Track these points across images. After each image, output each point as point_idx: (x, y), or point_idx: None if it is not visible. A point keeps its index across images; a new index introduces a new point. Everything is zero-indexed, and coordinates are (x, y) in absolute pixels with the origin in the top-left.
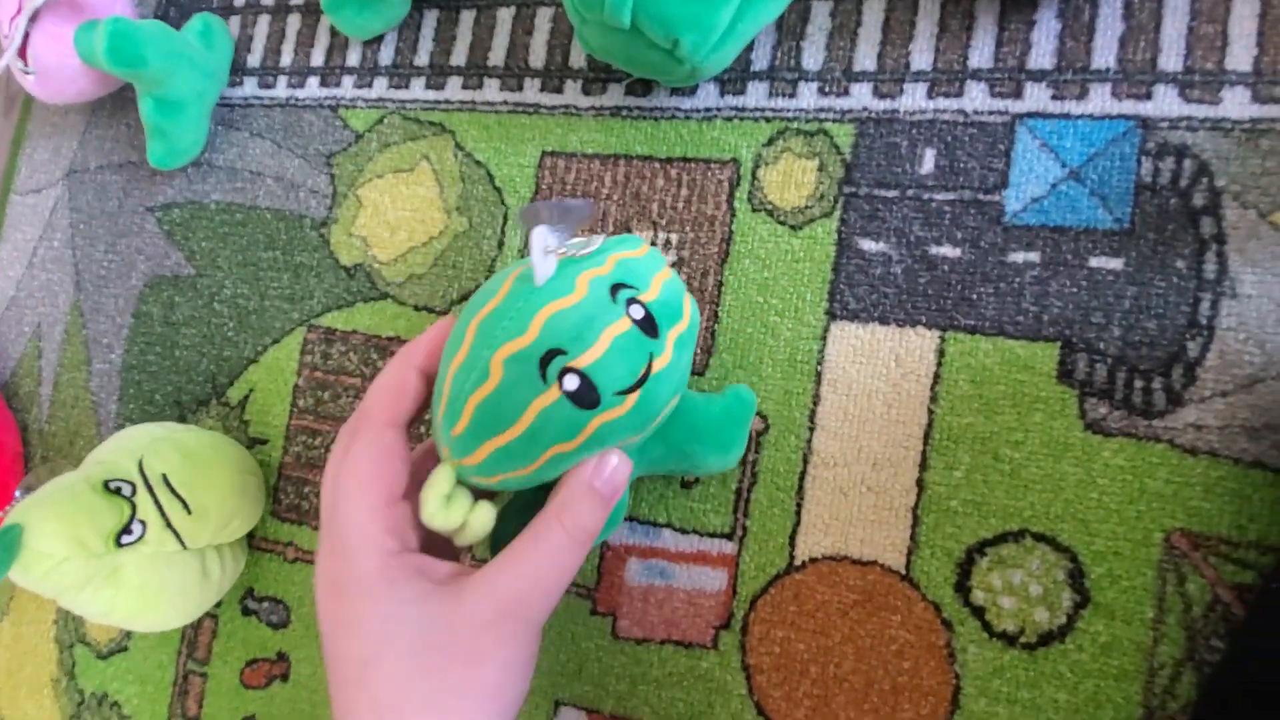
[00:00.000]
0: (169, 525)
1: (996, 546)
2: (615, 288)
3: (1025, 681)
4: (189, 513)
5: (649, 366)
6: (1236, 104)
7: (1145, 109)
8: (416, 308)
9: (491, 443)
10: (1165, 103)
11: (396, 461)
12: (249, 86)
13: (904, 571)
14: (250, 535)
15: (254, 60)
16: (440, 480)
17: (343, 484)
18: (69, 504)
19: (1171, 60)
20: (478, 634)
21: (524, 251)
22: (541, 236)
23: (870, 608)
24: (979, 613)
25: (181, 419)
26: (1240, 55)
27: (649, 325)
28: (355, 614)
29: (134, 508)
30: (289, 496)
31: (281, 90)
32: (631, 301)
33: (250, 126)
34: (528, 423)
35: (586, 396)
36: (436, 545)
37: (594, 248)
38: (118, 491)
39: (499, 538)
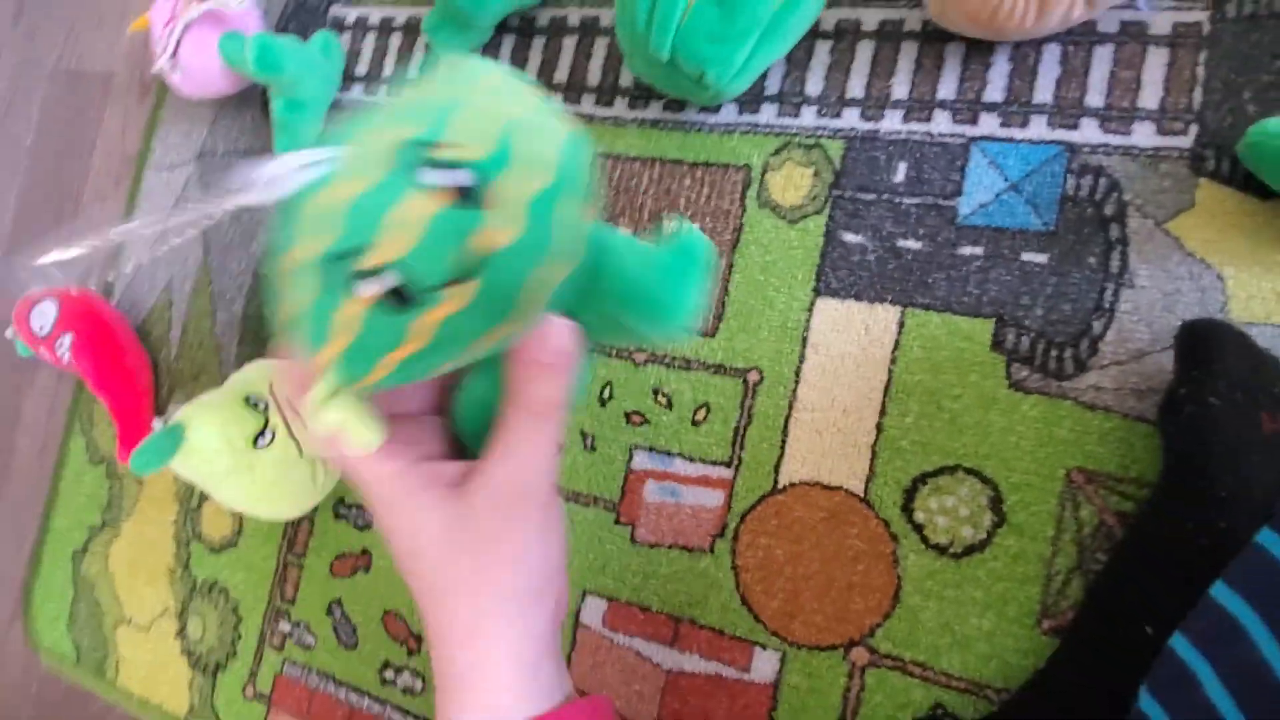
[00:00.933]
0: (291, 435)
1: (936, 477)
2: (412, 154)
3: (951, 583)
4: (305, 428)
5: (475, 242)
6: (1144, 134)
7: (1073, 136)
8: None
9: (322, 355)
10: (1089, 132)
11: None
12: (355, 92)
13: (862, 495)
14: None
15: (361, 70)
16: (314, 392)
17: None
18: (220, 410)
19: (1096, 98)
20: (490, 519)
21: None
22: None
23: (834, 523)
24: (919, 529)
25: None
26: (1150, 96)
27: (464, 194)
28: (392, 524)
29: (266, 419)
30: None
31: (382, 97)
32: (431, 167)
33: None
34: (344, 341)
35: (401, 292)
36: (459, 452)
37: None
38: (255, 405)
39: (469, 424)
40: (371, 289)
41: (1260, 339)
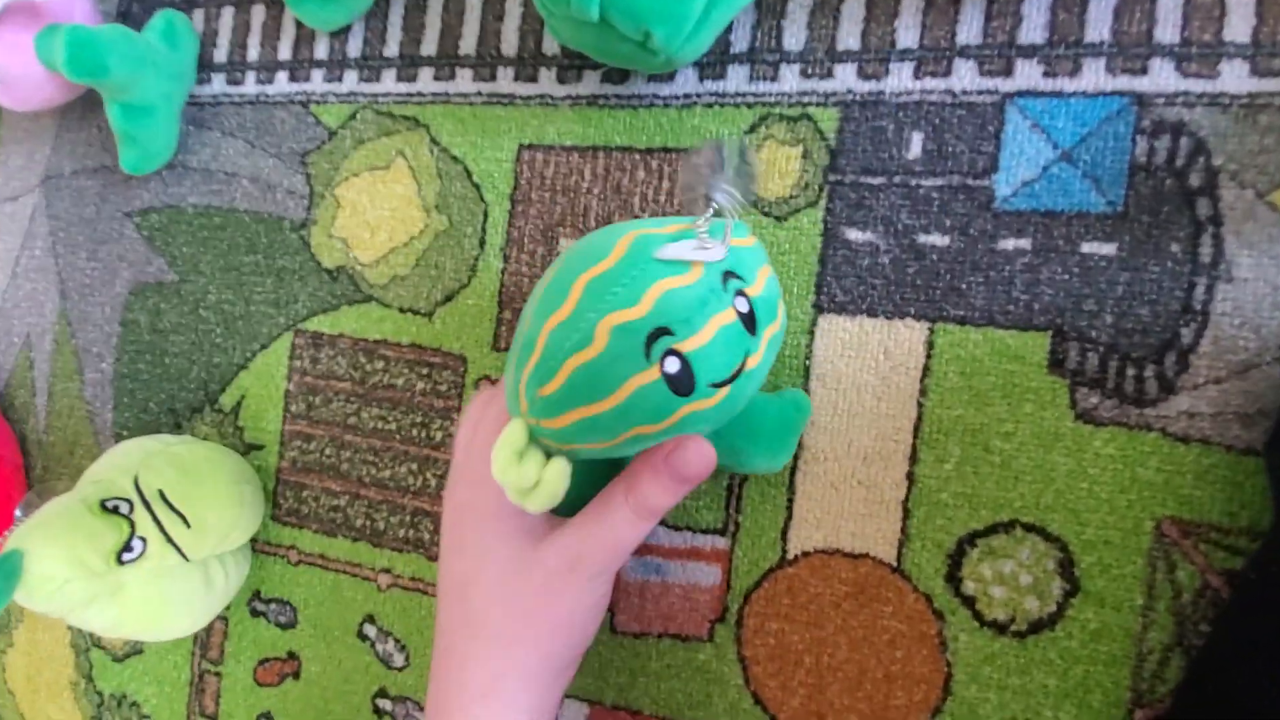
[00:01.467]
0: (169, 540)
1: (987, 538)
2: (726, 275)
3: (1016, 668)
4: (188, 526)
5: (743, 364)
6: (1235, 77)
7: (1141, 84)
8: (401, 309)
9: (580, 411)
10: (1161, 77)
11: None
12: (217, 83)
13: (895, 564)
14: (253, 540)
15: (220, 56)
16: (514, 436)
17: (487, 427)
18: (67, 526)
19: (1168, 32)
20: (550, 577)
21: (679, 204)
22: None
23: (862, 599)
24: (969, 602)
25: (177, 426)
26: (1238, 26)
27: (750, 321)
28: (467, 539)
29: (133, 525)
30: (288, 501)
31: (251, 86)
32: (739, 294)
33: (222, 125)
34: (621, 398)
35: (684, 383)
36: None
37: (721, 254)
38: (115, 510)
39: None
40: (674, 366)
41: None
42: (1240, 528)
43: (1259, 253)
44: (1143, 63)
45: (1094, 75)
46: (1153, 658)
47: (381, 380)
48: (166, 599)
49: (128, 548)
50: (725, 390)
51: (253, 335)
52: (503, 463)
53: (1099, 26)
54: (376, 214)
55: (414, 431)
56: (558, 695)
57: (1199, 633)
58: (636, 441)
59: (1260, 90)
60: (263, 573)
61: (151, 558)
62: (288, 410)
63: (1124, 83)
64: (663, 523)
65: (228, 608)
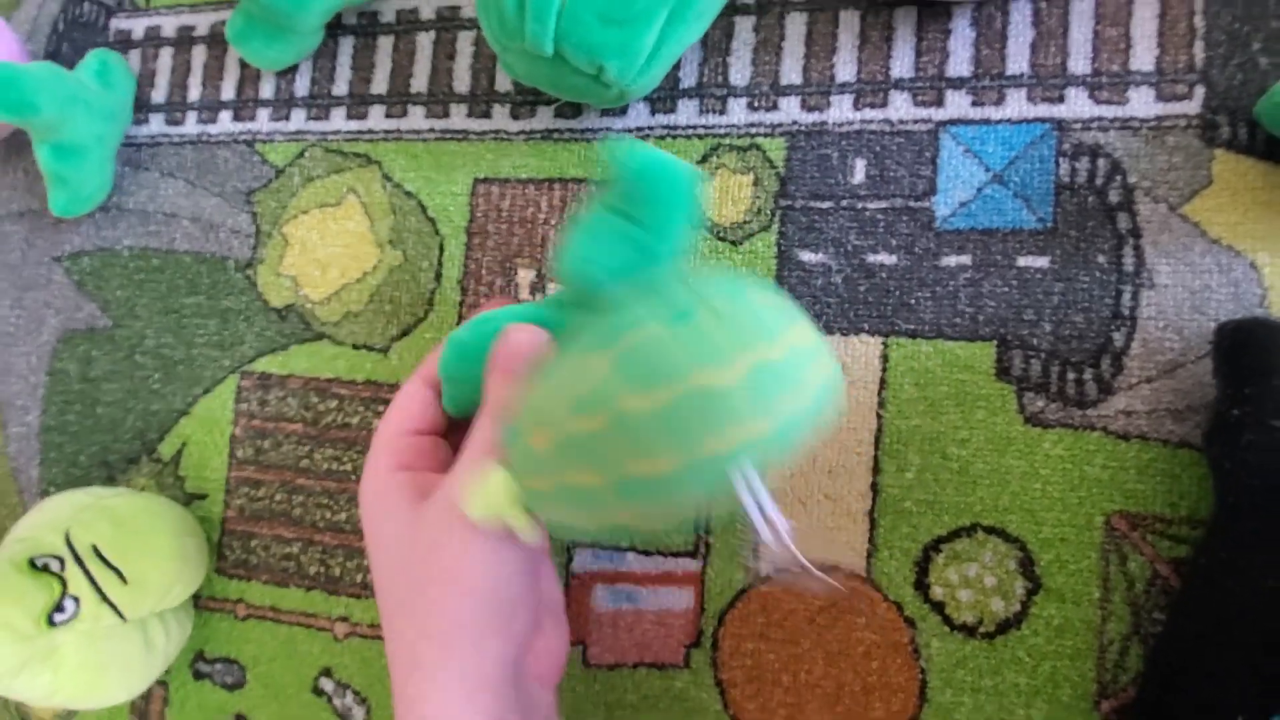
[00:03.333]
0: (104, 599)
1: (951, 542)
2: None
3: (987, 669)
4: (125, 583)
5: None
6: (1142, 103)
7: (1059, 111)
8: (355, 346)
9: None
10: (1077, 105)
11: (415, 402)
12: (155, 124)
13: (865, 574)
14: (195, 596)
15: (159, 96)
16: (492, 485)
17: (380, 422)
18: None
19: (1080, 63)
20: (436, 532)
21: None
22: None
23: (835, 612)
24: (939, 608)
25: (110, 480)
26: (1143, 56)
27: None
28: (365, 528)
29: (64, 584)
30: (234, 552)
31: (191, 126)
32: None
33: (160, 166)
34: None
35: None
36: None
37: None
38: (45, 568)
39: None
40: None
41: None
42: (1181, 517)
43: (1176, 260)
44: (1059, 92)
45: (1017, 104)
46: (1113, 648)
47: (335, 420)
48: (103, 663)
49: (59, 608)
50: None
51: (195, 380)
52: (474, 505)
53: (1018, 60)
54: (327, 251)
55: None
56: (499, 656)
57: (1154, 621)
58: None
59: (1166, 113)
60: (207, 631)
61: (86, 618)
62: (233, 456)
63: (1044, 110)
64: (635, 548)
65: (167, 671)
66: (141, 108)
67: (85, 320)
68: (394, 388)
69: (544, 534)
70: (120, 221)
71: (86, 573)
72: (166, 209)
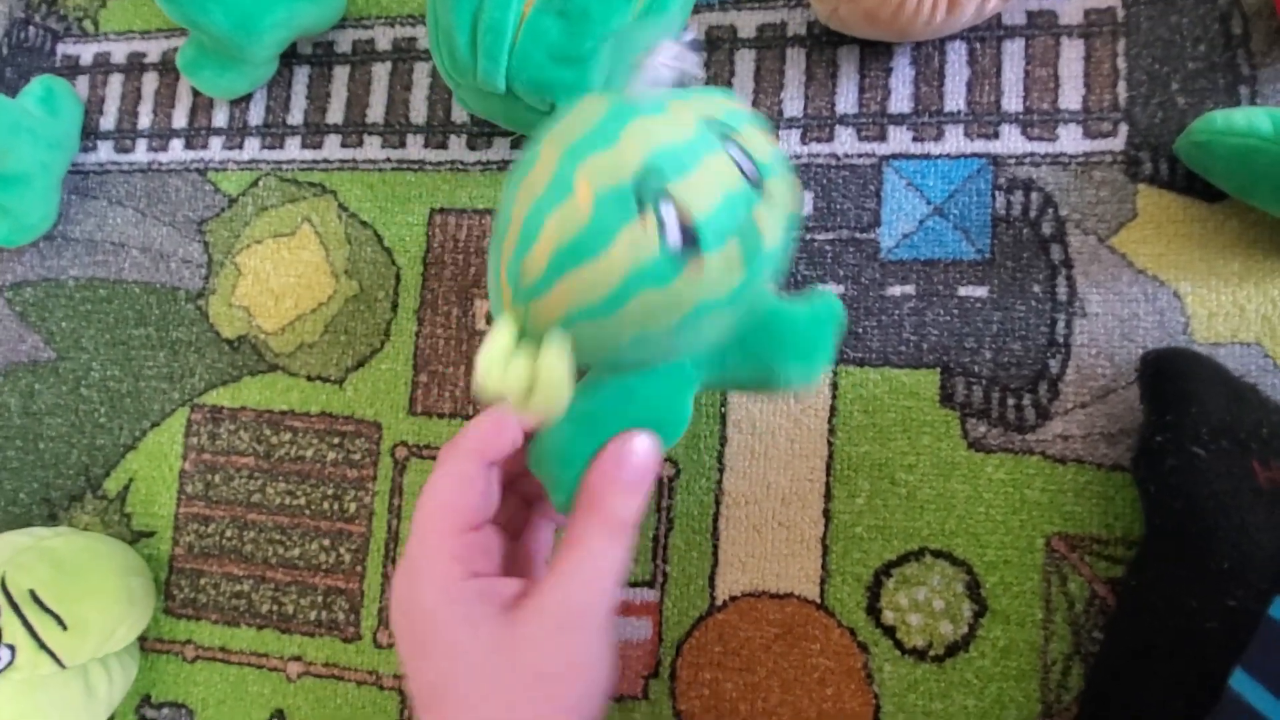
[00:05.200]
0: (42, 646)
1: (900, 566)
2: (717, 127)
3: (938, 693)
4: (64, 629)
5: (752, 220)
6: (1071, 139)
7: (994, 147)
8: (309, 378)
9: (570, 281)
10: (1011, 141)
11: (475, 491)
12: (104, 151)
13: (819, 600)
14: (141, 638)
15: (108, 123)
16: (500, 335)
17: (420, 508)
18: None
19: (1013, 102)
20: (540, 652)
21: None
22: (659, 51)
23: (791, 639)
24: (890, 632)
25: (52, 518)
26: (1071, 95)
27: (752, 174)
28: (424, 638)
29: None
30: (183, 591)
31: (142, 154)
32: (733, 146)
33: (109, 194)
34: (616, 258)
35: (685, 231)
36: (515, 566)
37: (693, 63)
38: None
39: (566, 455)
40: (669, 213)
41: (1229, 360)
42: (1116, 538)
43: (1105, 290)
44: (994, 128)
45: (955, 140)
46: (1056, 668)
47: (289, 453)
48: (41, 712)
49: None
50: (736, 244)
51: (142, 413)
52: (489, 366)
53: (955, 98)
54: (281, 281)
55: (325, 505)
56: None
57: (1093, 640)
58: (643, 340)
59: (1093, 150)
60: (153, 674)
61: (22, 667)
62: (182, 492)
63: (980, 146)
64: None
65: (112, 718)
66: (90, 135)
67: (28, 352)
68: (349, 420)
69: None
70: (66, 251)
71: (23, 619)
72: (115, 238)
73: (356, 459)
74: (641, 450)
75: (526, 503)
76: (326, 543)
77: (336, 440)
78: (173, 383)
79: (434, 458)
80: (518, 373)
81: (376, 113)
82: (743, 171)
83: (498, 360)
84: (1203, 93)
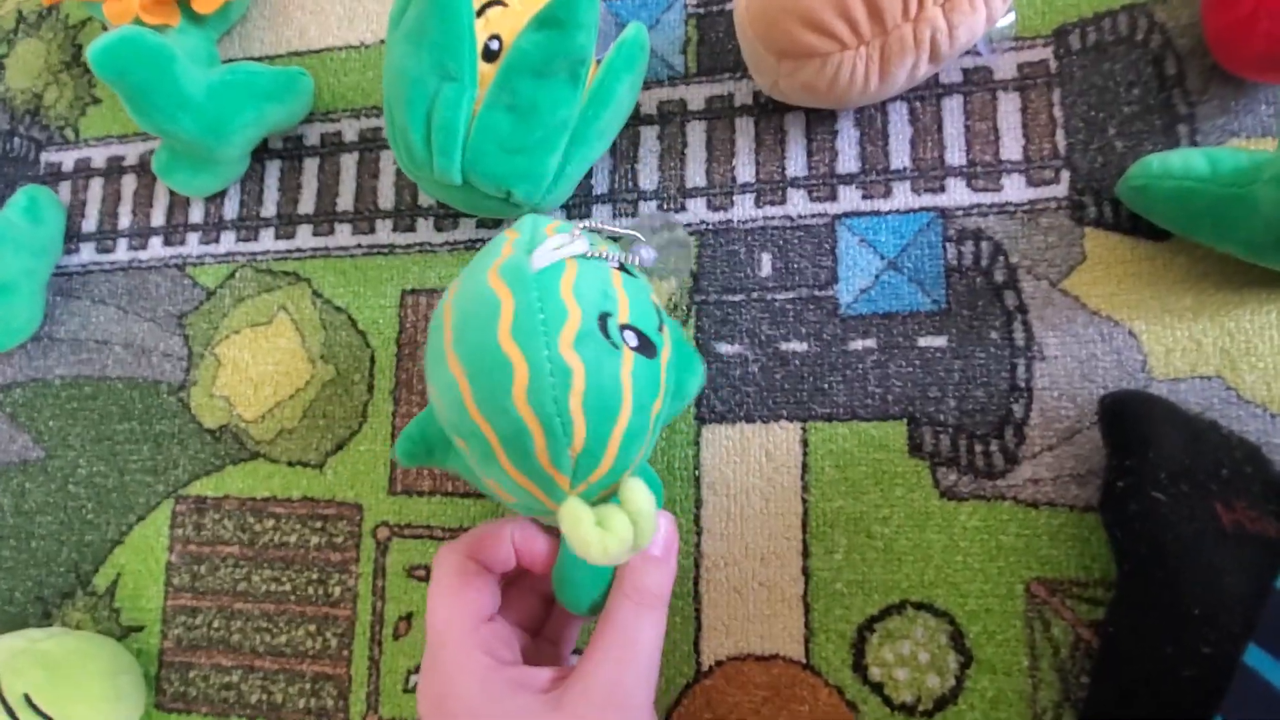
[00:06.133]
0: None
1: (883, 621)
2: (594, 246)
3: None
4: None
5: (660, 322)
6: (1015, 188)
7: (942, 200)
8: (290, 463)
9: (615, 433)
10: (957, 194)
11: (482, 584)
12: (86, 253)
13: (804, 660)
14: None
15: (90, 225)
16: (580, 514)
17: (433, 611)
18: None
19: (956, 156)
20: None
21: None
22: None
23: (779, 702)
24: (878, 689)
25: (46, 616)
26: (1011, 146)
27: (627, 271)
28: None
29: None
30: (173, 684)
31: (122, 253)
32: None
33: (91, 294)
34: (631, 392)
35: (647, 343)
36: (539, 658)
37: (584, 245)
38: None
39: (594, 573)
40: (633, 338)
41: (1191, 395)
42: (1095, 580)
43: (1062, 332)
44: (940, 182)
45: (903, 196)
46: (1047, 716)
47: (272, 539)
48: None
49: None
50: (665, 328)
51: (128, 507)
52: (600, 550)
53: (900, 155)
54: (260, 369)
55: (310, 590)
56: None
57: (1081, 685)
58: (658, 426)
59: (1037, 197)
60: None
61: None
62: (169, 584)
63: (928, 200)
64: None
65: None
66: (72, 238)
67: (18, 453)
68: (330, 503)
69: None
70: (52, 351)
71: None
72: (98, 336)
73: (339, 542)
74: (663, 525)
75: (543, 600)
76: (313, 628)
77: (319, 524)
78: (157, 475)
79: (415, 536)
80: (623, 535)
81: (346, 201)
82: (623, 267)
83: (597, 537)
84: (1140, 135)
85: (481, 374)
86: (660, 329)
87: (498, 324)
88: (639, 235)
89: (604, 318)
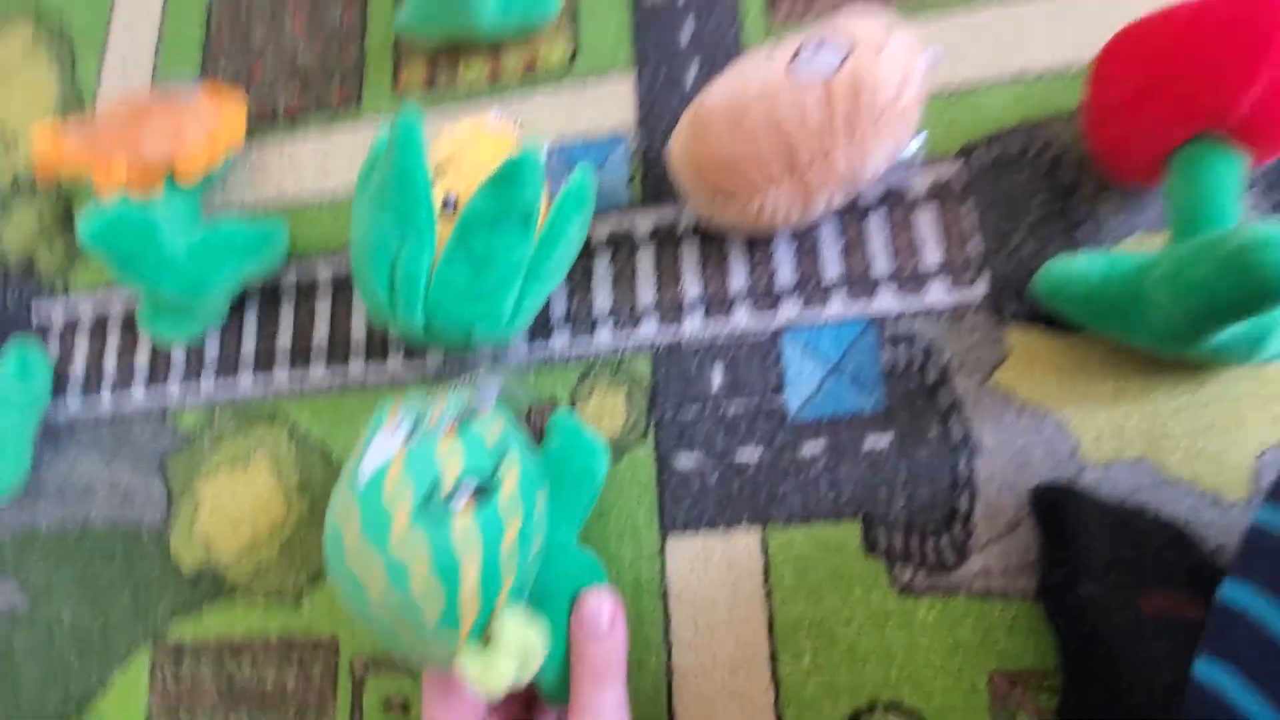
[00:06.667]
0: None
1: None
2: (412, 429)
3: None
4: None
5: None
6: (940, 293)
7: (874, 308)
8: (267, 601)
9: (466, 590)
10: (887, 301)
11: (474, 703)
12: (73, 403)
13: None
14: None
15: (77, 375)
16: (468, 668)
17: (434, 716)
18: None
19: (883, 265)
20: None
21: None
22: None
23: None
24: None
25: None
26: (933, 253)
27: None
28: None
29: None
30: None
31: (107, 402)
32: (427, 425)
33: (77, 443)
34: (471, 546)
35: (483, 489)
36: None
37: (405, 430)
38: None
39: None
40: (464, 499)
41: (1120, 477)
42: (1053, 669)
43: (995, 426)
44: (871, 291)
45: (839, 304)
46: None
47: (250, 681)
48: None
49: None
50: (513, 459)
51: (110, 654)
52: (489, 686)
53: (833, 268)
54: (238, 509)
55: None
56: None
57: None
58: (526, 565)
59: (960, 299)
60: None
61: None
62: None
63: (862, 307)
64: None
65: None
66: (59, 389)
67: (5, 603)
68: (307, 639)
69: None
70: (39, 501)
71: None
72: (83, 483)
73: (315, 679)
74: (592, 602)
75: (525, 704)
76: None
77: (296, 662)
78: (137, 620)
79: (391, 669)
80: (505, 673)
81: (320, 339)
82: (460, 422)
83: (487, 684)
84: (1047, 238)
85: (343, 585)
86: (498, 468)
87: (344, 543)
88: (484, 377)
89: (431, 493)
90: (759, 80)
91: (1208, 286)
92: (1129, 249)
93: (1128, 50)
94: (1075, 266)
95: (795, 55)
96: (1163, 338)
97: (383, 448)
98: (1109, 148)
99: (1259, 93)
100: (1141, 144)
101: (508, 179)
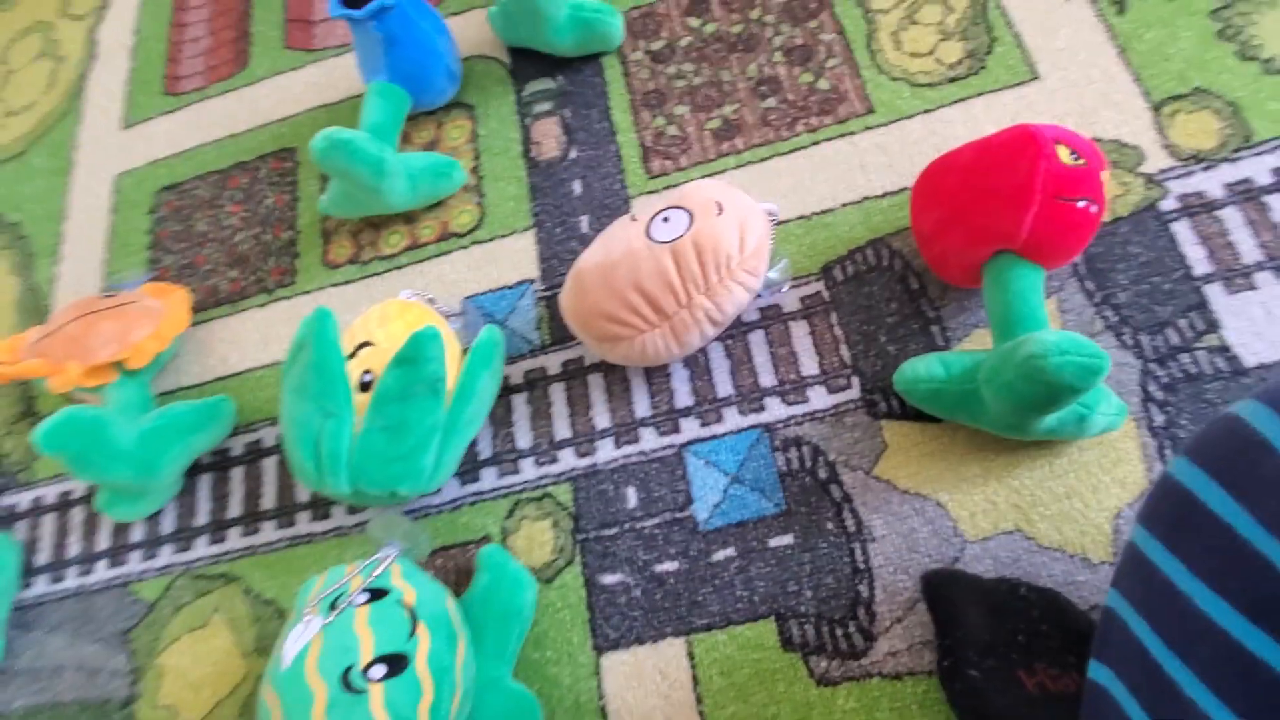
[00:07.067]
0: None
1: None
2: (333, 605)
3: None
4: None
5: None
6: (819, 397)
7: (764, 417)
8: None
9: None
10: (775, 410)
11: None
12: (40, 585)
13: None
14: None
15: (43, 559)
16: None
17: None
18: None
19: (768, 378)
20: None
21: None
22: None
23: None
24: None
25: None
26: (809, 362)
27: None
28: None
29: None
30: None
31: (72, 581)
32: (333, 608)
33: (45, 623)
34: (388, 715)
35: (396, 659)
36: None
37: (317, 626)
38: None
39: None
40: (380, 671)
41: (999, 549)
42: None
43: (883, 514)
44: (760, 402)
45: (733, 418)
46: None
47: None
48: None
49: None
50: (422, 625)
51: None
52: None
53: (724, 385)
54: (199, 672)
55: None
56: None
57: None
58: (443, 691)
59: (838, 402)
60: None
61: None
62: None
63: (753, 419)
64: None
65: None
66: (27, 573)
67: None
68: None
69: None
70: (10, 684)
71: None
72: (53, 663)
73: None
74: None
75: None
76: None
77: None
78: None
79: None
80: None
81: (269, 499)
82: (373, 592)
83: None
84: (905, 339)
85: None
86: (414, 631)
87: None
88: (384, 538)
89: (347, 673)
90: (623, 243)
91: (1013, 389)
92: (975, 343)
93: (931, 187)
94: (919, 370)
95: (650, 221)
96: (1002, 426)
97: (303, 630)
98: (935, 262)
99: (1032, 219)
100: (958, 260)
101: (411, 356)
